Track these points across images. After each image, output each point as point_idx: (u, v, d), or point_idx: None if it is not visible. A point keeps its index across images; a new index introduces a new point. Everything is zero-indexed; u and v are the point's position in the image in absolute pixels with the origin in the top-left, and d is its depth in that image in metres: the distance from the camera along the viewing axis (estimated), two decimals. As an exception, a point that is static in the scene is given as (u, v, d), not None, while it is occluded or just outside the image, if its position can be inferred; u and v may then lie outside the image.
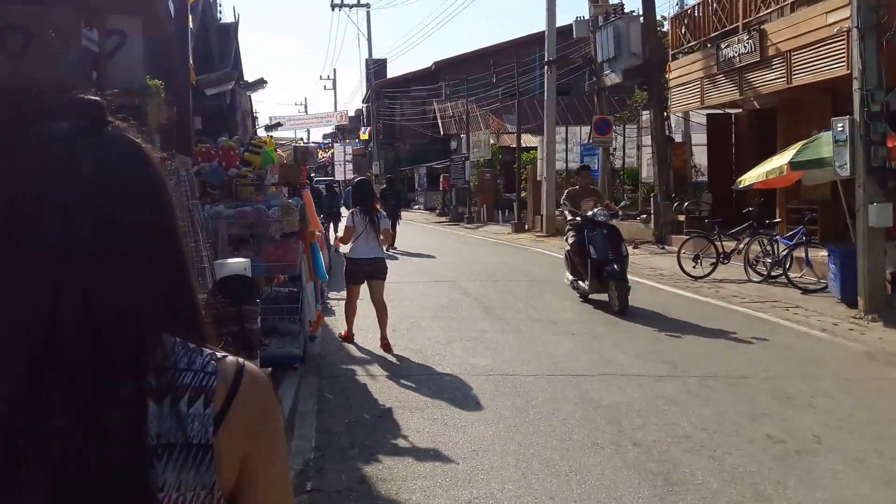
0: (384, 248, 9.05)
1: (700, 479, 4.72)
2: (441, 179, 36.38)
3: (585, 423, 5.78)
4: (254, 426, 1.00)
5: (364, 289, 8.75)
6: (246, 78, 13.94)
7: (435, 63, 45.43)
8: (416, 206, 43.55)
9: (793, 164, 11.91)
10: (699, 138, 21.82)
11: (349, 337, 8.85)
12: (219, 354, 1.01)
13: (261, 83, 14.09)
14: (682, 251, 14.55)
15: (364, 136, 51.52)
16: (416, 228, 29.78)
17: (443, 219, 34.13)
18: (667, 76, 19.62)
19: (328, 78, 64.46)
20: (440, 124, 40.45)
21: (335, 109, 52.92)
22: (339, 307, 10.83)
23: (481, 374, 7.11)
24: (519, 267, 16.16)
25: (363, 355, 8.17)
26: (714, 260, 14.04)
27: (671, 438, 5.47)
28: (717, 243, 14.19)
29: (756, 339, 8.99)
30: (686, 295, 12.32)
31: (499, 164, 33.30)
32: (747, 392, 6.82)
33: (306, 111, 61.28)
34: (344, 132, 58.68)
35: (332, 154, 53.74)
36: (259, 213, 6.88)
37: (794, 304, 11.48)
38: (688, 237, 15.41)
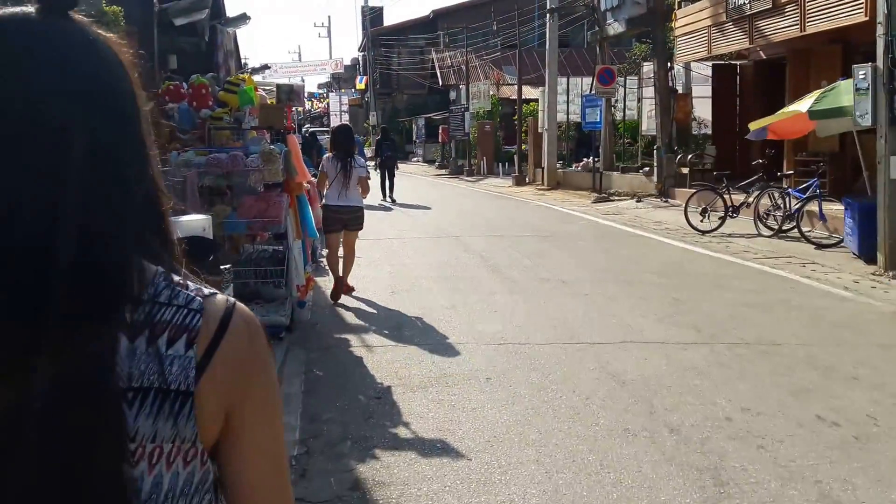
0: (360, 197, 8.44)
1: (755, 477, 3.90)
2: (440, 131, 35.17)
3: (611, 402, 4.93)
4: (242, 375, 0.87)
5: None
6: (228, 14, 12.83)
7: (433, 11, 43.88)
8: (415, 159, 42.39)
9: (811, 113, 10.95)
10: (700, 90, 20.76)
11: (338, 285, 8.34)
12: (206, 290, 0.88)
13: (243, 18, 12.94)
14: (689, 205, 13.66)
15: (360, 85, 50.07)
16: (415, 181, 28.75)
17: (442, 171, 33.06)
18: (672, 24, 18.49)
19: (322, 25, 62.70)
20: (439, 74, 39.10)
21: (330, 57, 51.31)
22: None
23: (491, 343, 6.25)
24: (522, 221, 15.25)
25: (359, 321, 7.29)
26: (722, 214, 13.17)
27: (711, 422, 4.63)
28: (725, 196, 13.31)
29: (778, 300, 8.18)
30: (696, 251, 11.44)
31: (499, 116, 32.15)
32: (783, 362, 5.99)
33: (300, 59, 59.45)
34: (340, 81, 57.17)
35: (328, 104, 52.37)
36: (235, 160, 5.93)
37: (810, 260, 10.65)
38: (695, 190, 14.49)
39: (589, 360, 5.83)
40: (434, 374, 5.46)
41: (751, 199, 13.22)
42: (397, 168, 20.78)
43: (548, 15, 24.14)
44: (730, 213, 13.20)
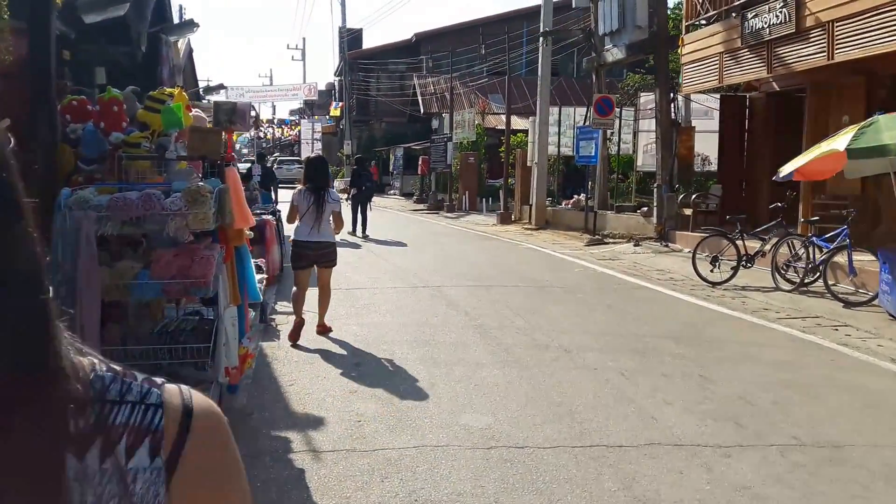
0: (332, 232, 8.43)
1: None
2: (420, 162, 34.12)
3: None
4: (211, 485, 0.78)
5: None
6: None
7: (416, 35, 43.11)
8: (392, 192, 41.27)
9: (851, 152, 9.91)
10: (701, 124, 19.89)
11: (298, 325, 8.23)
12: (157, 380, 0.78)
13: (190, 26, 11.75)
14: (698, 252, 12.59)
15: (335, 111, 49.08)
16: (391, 217, 27.58)
17: (421, 206, 31.93)
18: (679, 51, 17.60)
19: (297, 48, 61.69)
20: (420, 101, 38.18)
21: (304, 81, 50.27)
22: (286, 325, 8.76)
23: (479, 447, 4.99)
24: (511, 267, 14.08)
25: (309, 410, 5.99)
26: (734, 263, 12.11)
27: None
28: (739, 243, 12.24)
29: (821, 377, 7.08)
30: (710, 308, 10.32)
31: (483, 148, 31.17)
32: (855, 475, 4.82)
33: (271, 83, 58.41)
34: (313, 108, 56.20)
35: (299, 132, 51.34)
36: (149, 200, 4.70)
37: (842, 322, 9.62)
38: (704, 236, 13.43)
39: (608, 476, 4.61)
40: (401, 501, 4.19)
41: (767, 248, 12.18)
42: (371, 201, 20.16)
43: (541, 39, 23.26)
44: (743, 263, 12.14)
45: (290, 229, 9.54)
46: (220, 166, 5.57)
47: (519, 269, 13.83)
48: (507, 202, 24.58)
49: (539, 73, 23.46)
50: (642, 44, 19.65)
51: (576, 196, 22.48)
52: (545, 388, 6.42)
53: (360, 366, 7.23)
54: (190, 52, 19.93)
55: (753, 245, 12.33)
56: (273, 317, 9.69)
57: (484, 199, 28.51)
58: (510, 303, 10.32)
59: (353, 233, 19.17)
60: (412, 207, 31.97)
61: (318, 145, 51.06)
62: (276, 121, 76.92)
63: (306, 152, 51.14)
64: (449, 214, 27.96)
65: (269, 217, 12.53)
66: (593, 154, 19.41)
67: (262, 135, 72.75)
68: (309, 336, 8.45)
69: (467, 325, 8.95)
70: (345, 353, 7.79)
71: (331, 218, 8.24)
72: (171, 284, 4.95)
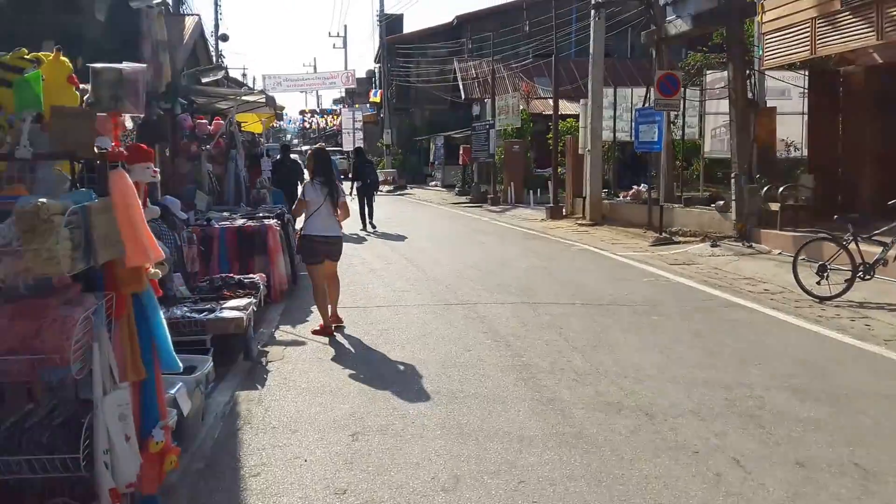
0: (341, 225, 8.57)
1: None
2: (461, 151, 31.94)
3: None
4: None
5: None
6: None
7: (457, 17, 40.87)
8: (433, 183, 39.17)
9: None
10: (780, 105, 17.47)
11: (325, 330, 8.28)
12: None
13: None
14: (799, 258, 10.32)
15: (375, 99, 47.12)
16: (431, 212, 25.53)
17: (462, 199, 29.79)
18: (759, 18, 15.17)
19: (338, 35, 59.91)
20: (461, 86, 35.98)
21: (345, 70, 48.39)
22: (280, 361, 6.75)
23: None
24: (565, 276, 11.88)
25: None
26: (848, 274, 9.79)
27: None
28: (852, 248, 9.91)
29: None
30: (829, 336, 8.06)
31: (530, 135, 28.89)
32: None
33: (315, 72, 56.63)
34: (353, 96, 54.38)
35: (341, 121, 49.54)
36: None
37: None
38: (808, 238, 11.11)
39: None
40: None
41: (892, 255, 9.83)
42: (377, 192, 20.00)
43: (592, 12, 20.94)
44: (860, 275, 9.81)
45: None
46: (100, 168, 3.57)
47: (574, 278, 11.65)
48: (557, 194, 22.31)
49: (591, 50, 21.16)
50: (712, 13, 17.28)
51: (635, 187, 20.16)
52: (625, 493, 4.29)
53: (357, 439, 5.18)
54: (200, 31, 18.15)
55: (870, 251, 9.99)
56: (266, 349, 7.70)
57: (531, 191, 26.26)
58: (565, 329, 8.18)
59: (364, 228, 18.77)
60: (454, 200, 29.86)
61: (360, 135, 49.14)
62: (319, 110, 75.55)
63: (348, 142, 49.24)
64: (493, 208, 25.80)
65: (272, 222, 10.55)
66: (656, 139, 17.08)
67: (307, 125, 71.45)
68: (300, 383, 6.46)
69: (508, 365, 6.84)
70: (342, 413, 5.75)
71: (338, 210, 8.29)
72: (6, 363, 2.95)
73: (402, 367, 6.92)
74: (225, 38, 46.59)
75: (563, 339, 7.76)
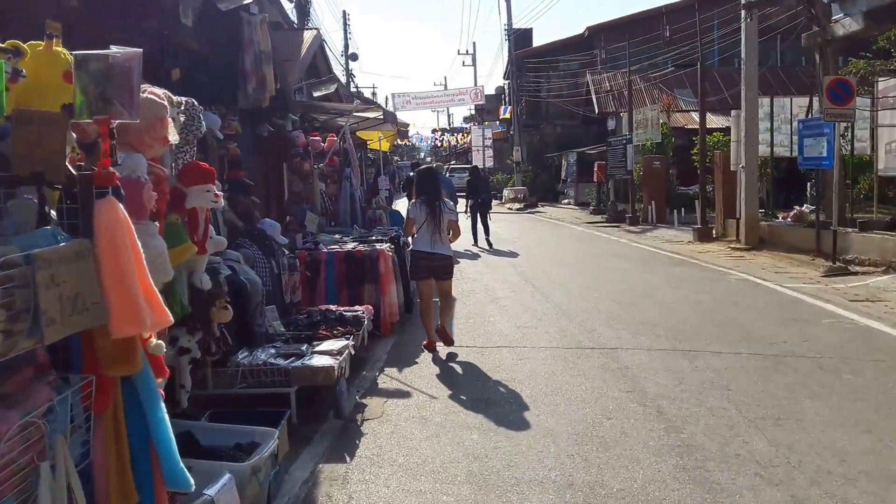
0: (450, 244, 8.40)
1: None
2: (595, 168, 30.15)
3: None
4: None
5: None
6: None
7: (588, 28, 39.08)
8: (566, 201, 37.44)
9: None
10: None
11: (430, 345, 8.29)
12: None
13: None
14: None
15: (506, 115, 45.88)
16: (562, 232, 23.93)
17: (597, 218, 27.99)
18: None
19: (467, 52, 59.23)
20: (594, 100, 34.16)
21: (474, 86, 47.47)
22: (378, 419, 5.43)
23: None
24: (723, 313, 10.09)
25: None
26: None
27: None
28: None
29: None
30: None
31: (671, 150, 26.81)
32: None
33: (446, 90, 56.09)
34: (483, 113, 53.40)
35: (470, 139, 48.65)
36: None
37: None
38: None
39: None
40: None
41: None
42: (491, 210, 19.98)
43: (743, 13, 18.91)
44: None
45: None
46: (83, 196, 2.36)
47: (735, 316, 9.85)
48: (706, 214, 20.24)
49: (743, 54, 19.10)
50: (890, 9, 15.01)
51: (797, 207, 17.90)
52: None
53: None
54: (320, 46, 17.36)
55: None
56: (364, 402, 6.45)
57: (674, 211, 24.19)
58: (734, 391, 6.50)
59: (476, 244, 18.81)
60: (588, 219, 28.11)
61: (489, 152, 48.21)
62: (449, 128, 75.41)
63: (478, 159, 48.37)
64: (632, 228, 23.92)
65: (384, 246, 9.37)
66: (825, 154, 14.94)
67: (438, 143, 71.31)
68: (397, 455, 5.13)
69: (663, 445, 5.27)
70: (444, 511, 4.38)
71: (447, 228, 8.20)
72: None
73: (523, 440, 5.47)
74: (354, 57, 46.69)
75: (734, 407, 6.10)
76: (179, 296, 4.47)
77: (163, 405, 2.69)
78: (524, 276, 13.79)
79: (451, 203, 8.81)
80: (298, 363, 5.92)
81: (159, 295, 2.66)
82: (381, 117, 13.57)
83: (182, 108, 4.56)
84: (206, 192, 4.59)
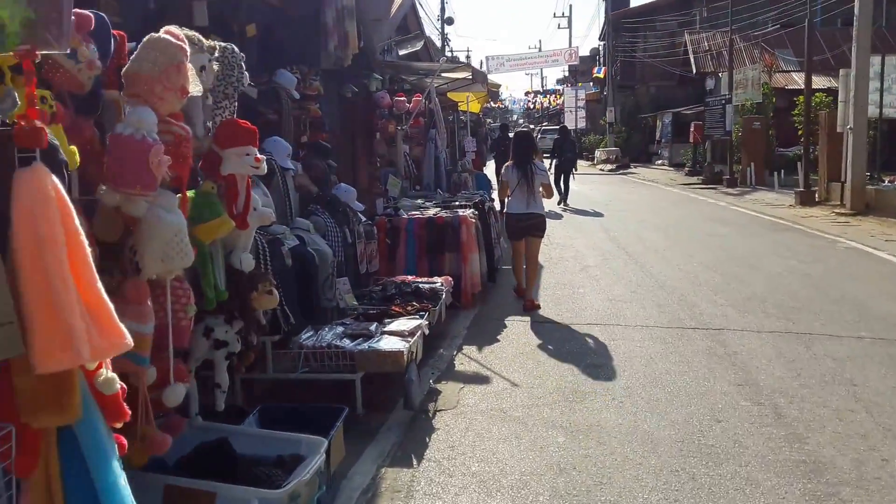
0: (543, 203, 8.27)
1: None
2: (692, 129, 28.19)
3: None
4: None
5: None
6: None
7: (689, -13, 36.63)
8: (659, 161, 35.50)
9: None
10: None
11: (522, 292, 8.25)
12: None
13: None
14: None
15: (599, 75, 43.85)
16: (656, 194, 22.41)
17: (693, 179, 26.21)
18: None
19: (563, 15, 57.00)
20: (692, 60, 31.94)
21: (569, 47, 45.45)
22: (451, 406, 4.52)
23: None
24: (836, 287, 8.76)
25: None
26: None
27: None
28: None
29: None
30: None
31: (771, 111, 24.74)
32: None
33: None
34: (576, 75, 51.34)
35: (563, 100, 46.83)
36: None
37: None
38: None
39: None
40: None
41: None
42: (575, 170, 19.45)
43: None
44: None
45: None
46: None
47: (849, 290, 8.51)
48: (809, 177, 18.40)
49: (856, 10, 17.10)
50: None
51: (910, 171, 16.00)
52: None
53: None
54: (412, 6, 16.33)
55: None
56: (437, 387, 5.58)
57: (774, 173, 22.24)
58: (861, 389, 5.32)
59: (560, 203, 18.21)
60: (683, 181, 26.37)
61: (582, 113, 46.24)
62: (542, 90, 73.44)
63: (570, 121, 46.59)
64: (729, 190, 22.19)
65: (468, 212, 8.42)
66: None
67: (530, 105, 69.46)
68: (470, 462, 4.23)
69: (785, 461, 4.18)
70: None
71: (541, 189, 8.12)
72: None
73: (618, 447, 4.48)
74: (450, 21, 45.36)
75: (863, 409, 4.95)
76: (215, 279, 3.65)
77: (117, 464, 1.85)
78: (616, 241, 12.62)
79: (543, 164, 8.67)
80: (365, 346, 5.07)
81: (110, 307, 1.80)
82: (471, 77, 12.53)
83: (216, 54, 3.69)
84: (245, 155, 3.72)
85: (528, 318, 7.59)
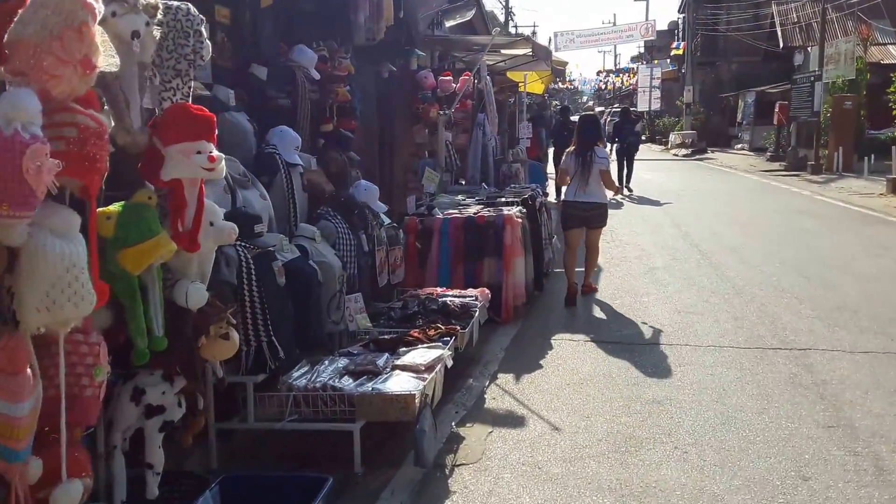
0: (604, 192, 7.92)
1: None
2: (776, 109, 26.46)
3: None
4: None
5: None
6: None
7: (775, -46, 34.52)
8: (739, 145, 33.70)
9: None
10: None
11: (570, 290, 7.78)
12: None
13: None
14: None
15: (678, 51, 41.89)
16: (734, 182, 21.01)
17: (775, 166, 24.59)
18: None
19: (639, -13, 54.67)
20: (779, 33, 30.02)
21: (645, 20, 43.57)
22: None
23: None
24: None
25: None
26: None
27: None
28: None
29: None
30: None
31: (864, 88, 22.94)
32: None
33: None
34: (652, 51, 49.36)
35: (637, 79, 45.09)
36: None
37: None
38: None
39: None
40: None
41: None
42: (636, 152, 18.51)
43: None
44: None
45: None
46: None
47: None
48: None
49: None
50: None
51: None
52: None
53: None
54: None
55: None
56: (460, 432, 4.73)
57: (865, 158, 20.50)
58: None
59: (621, 188, 16.82)
60: (764, 167, 24.78)
61: (657, 93, 44.41)
62: (615, 69, 71.25)
63: (643, 102, 44.85)
64: (814, 177, 20.64)
65: (514, 210, 7.54)
66: None
67: (602, 85, 67.45)
68: None
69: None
70: None
71: (600, 177, 7.74)
72: None
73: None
74: (517, -6, 43.86)
75: None
76: (148, 322, 2.88)
77: None
78: (688, 237, 11.54)
79: (605, 151, 8.24)
80: (368, 387, 4.25)
81: None
82: (531, 53, 11.54)
83: (159, 15, 2.86)
84: (195, 153, 2.92)
85: (578, 337, 6.68)
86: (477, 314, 5.93)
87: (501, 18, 38.36)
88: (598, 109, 42.48)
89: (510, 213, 7.36)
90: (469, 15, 11.07)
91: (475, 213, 7.47)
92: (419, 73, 10.13)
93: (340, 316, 5.24)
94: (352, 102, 7.66)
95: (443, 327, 5.28)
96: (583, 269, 8.12)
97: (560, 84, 40.43)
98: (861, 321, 6.73)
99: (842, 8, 27.73)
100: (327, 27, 7.39)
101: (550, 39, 43.59)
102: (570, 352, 6.30)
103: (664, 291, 8.23)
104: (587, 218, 7.77)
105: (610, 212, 8.37)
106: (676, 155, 33.14)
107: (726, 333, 6.57)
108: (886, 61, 25.59)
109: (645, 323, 7.01)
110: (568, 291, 7.78)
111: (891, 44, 27.11)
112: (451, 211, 7.69)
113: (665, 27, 51.96)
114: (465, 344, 5.47)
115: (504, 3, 41.42)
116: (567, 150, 8.22)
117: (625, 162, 18.07)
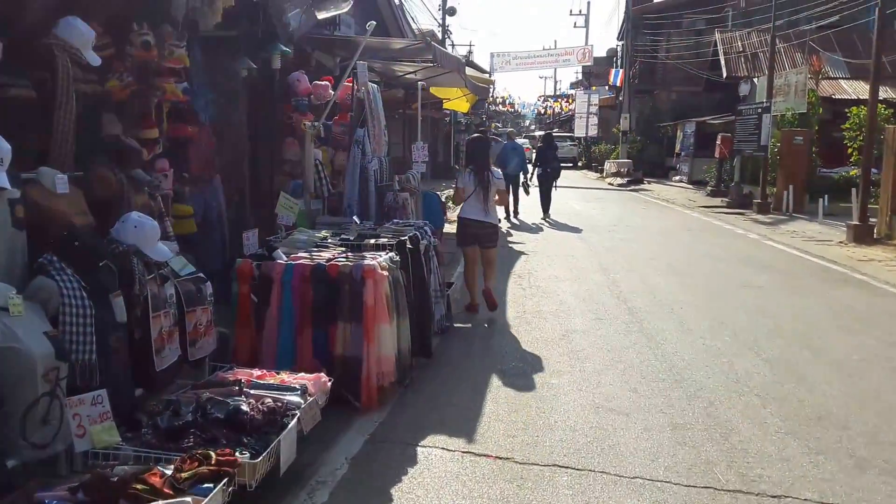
0: (497, 212, 8.56)
1: None
2: (718, 141, 25.38)
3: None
4: None
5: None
6: None
7: (720, -21, 33.97)
8: (676, 178, 32.73)
9: None
10: None
11: (474, 307, 8.29)
12: None
13: None
14: None
15: (616, 84, 41.13)
16: (671, 218, 19.63)
17: (716, 201, 23.41)
18: None
19: (580, 13, 54.34)
20: (722, 62, 29.21)
21: (584, 45, 42.59)
22: None
23: None
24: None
25: None
26: None
27: None
28: None
29: None
30: None
31: (815, 124, 21.99)
32: None
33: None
34: (590, 78, 48.67)
35: (575, 106, 44.17)
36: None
37: None
38: None
39: None
40: None
41: None
42: (556, 182, 18.48)
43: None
44: None
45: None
46: None
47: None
48: (866, 208, 15.50)
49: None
50: None
51: None
52: None
53: None
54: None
55: None
56: None
57: (820, 199, 19.29)
58: None
59: (544, 218, 17.83)
60: (704, 202, 23.58)
61: (594, 120, 43.56)
62: (554, 95, 71.43)
63: (580, 128, 44.05)
64: (761, 217, 19.41)
65: (380, 258, 5.71)
66: None
67: (541, 110, 67.05)
68: None
69: None
70: None
71: (494, 196, 8.27)
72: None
73: None
74: (452, 11, 42.47)
75: None
76: None
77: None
78: (616, 289, 9.89)
79: (499, 172, 8.68)
80: None
81: None
82: (432, 61, 9.85)
83: None
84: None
85: (455, 445, 4.84)
86: (295, 419, 4.07)
87: (439, 35, 37.03)
88: (537, 133, 41.51)
89: (373, 262, 5.50)
90: (345, 7, 9.26)
91: (327, 260, 5.61)
92: (291, 76, 8.36)
93: (52, 434, 3.34)
94: (191, 104, 6.08)
95: (214, 459, 3.37)
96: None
97: (501, 107, 39.18)
98: (855, 445, 4.99)
99: (789, 38, 26.98)
100: (150, 5, 5.78)
101: (486, 61, 42.41)
102: (438, 473, 4.43)
103: (581, 370, 6.48)
104: (481, 237, 8.21)
105: (530, 250, 7.12)
106: (612, 184, 31.99)
107: (661, 453, 4.79)
108: (838, 96, 24.85)
109: (550, 428, 5.21)
110: (469, 307, 8.31)
111: (843, 78, 26.45)
112: (301, 255, 5.83)
113: (604, 54, 51.55)
114: (260, 476, 3.59)
115: (441, 22, 40.07)
116: (465, 168, 8.66)
117: (547, 189, 18.07)
